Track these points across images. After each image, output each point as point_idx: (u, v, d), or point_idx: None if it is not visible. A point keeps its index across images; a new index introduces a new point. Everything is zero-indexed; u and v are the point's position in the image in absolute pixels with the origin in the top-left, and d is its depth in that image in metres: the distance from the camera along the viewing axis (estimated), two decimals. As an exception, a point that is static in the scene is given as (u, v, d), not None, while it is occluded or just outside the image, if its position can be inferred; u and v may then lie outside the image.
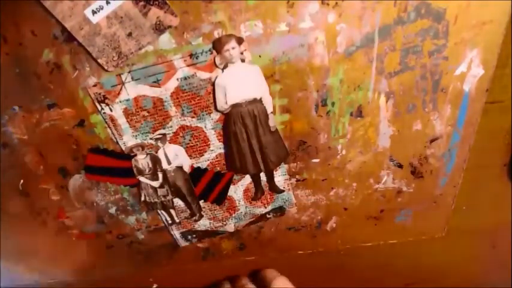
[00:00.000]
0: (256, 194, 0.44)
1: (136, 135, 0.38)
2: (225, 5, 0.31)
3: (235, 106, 0.37)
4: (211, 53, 0.34)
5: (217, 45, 0.33)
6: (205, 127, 0.38)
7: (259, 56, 0.34)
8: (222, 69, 0.34)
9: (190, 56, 0.34)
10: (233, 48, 0.33)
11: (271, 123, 0.38)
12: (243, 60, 0.34)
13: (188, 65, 0.34)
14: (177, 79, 0.35)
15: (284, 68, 0.35)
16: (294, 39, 0.33)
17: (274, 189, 0.44)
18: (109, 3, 0.31)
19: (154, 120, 0.37)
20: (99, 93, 0.35)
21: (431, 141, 0.40)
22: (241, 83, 0.35)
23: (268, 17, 0.32)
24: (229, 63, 0.34)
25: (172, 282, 0.54)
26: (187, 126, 0.38)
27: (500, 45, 0.34)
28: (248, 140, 0.39)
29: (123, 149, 0.39)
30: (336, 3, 0.32)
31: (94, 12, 0.31)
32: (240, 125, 0.38)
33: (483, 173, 0.44)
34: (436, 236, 0.50)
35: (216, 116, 0.37)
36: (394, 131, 0.39)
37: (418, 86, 0.36)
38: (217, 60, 0.34)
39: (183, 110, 0.37)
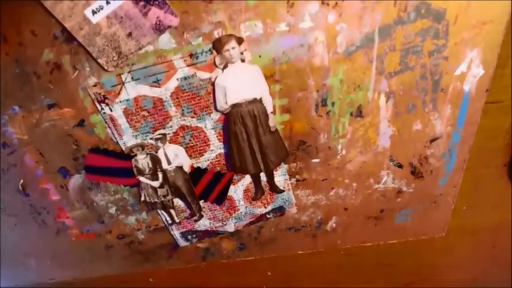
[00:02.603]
0: (256, 194, 0.44)
1: (136, 135, 0.38)
2: (225, 5, 0.31)
3: (235, 106, 0.37)
4: (211, 53, 0.34)
5: (217, 45, 0.33)
6: (205, 127, 0.38)
7: (259, 56, 0.34)
8: (222, 69, 0.34)
9: (190, 56, 0.34)
10: (233, 48, 0.33)
11: (271, 123, 0.38)
12: (243, 60, 0.34)
13: (188, 65, 0.34)
14: (177, 79, 0.35)
15: (284, 68, 0.35)
16: (294, 39, 0.33)
17: (275, 189, 0.44)
18: (109, 3, 0.31)
19: (154, 120, 0.37)
20: (99, 93, 0.35)
21: (431, 141, 0.40)
22: (241, 83, 0.35)
23: (268, 17, 0.32)
24: (229, 63, 0.34)
25: (173, 282, 0.54)
26: (187, 126, 0.38)
27: (500, 45, 0.34)
28: (248, 140, 0.39)
29: (123, 149, 0.39)
30: (336, 3, 0.32)
31: (94, 12, 0.31)
32: (240, 125, 0.38)
33: (483, 173, 0.44)
34: (436, 236, 0.50)
35: (216, 116, 0.37)
36: (394, 131, 0.39)
37: (418, 86, 0.36)
38: (217, 60, 0.34)
39: (183, 110, 0.37)
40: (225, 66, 0.34)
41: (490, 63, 0.35)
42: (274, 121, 0.38)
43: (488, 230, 0.51)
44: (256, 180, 0.43)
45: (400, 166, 0.42)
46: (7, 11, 0.32)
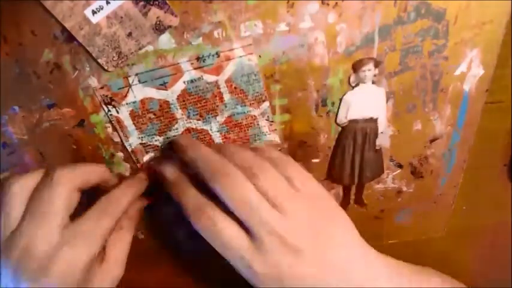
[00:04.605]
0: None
1: (142, 137, 0.38)
2: (225, 5, 0.32)
3: (351, 122, 0.38)
4: (218, 56, 0.34)
5: (357, 65, 0.35)
6: (210, 129, 0.38)
7: (260, 56, 0.34)
8: (353, 87, 0.36)
9: (197, 59, 0.34)
10: (369, 70, 0.35)
11: (377, 141, 0.39)
12: (373, 82, 0.35)
13: (195, 68, 0.34)
14: (184, 82, 0.35)
15: (284, 68, 0.35)
16: (294, 39, 0.33)
17: (359, 202, 0.45)
18: (109, 3, 0.31)
19: (160, 122, 0.37)
20: (106, 95, 0.35)
21: (431, 141, 0.40)
22: (365, 102, 0.37)
23: (268, 17, 0.32)
24: (361, 83, 0.35)
25: (173, 283, 0.54)
26: (193, 128, 0.38)
27: (500, 45, 0.34)
28: (353, 154, 0.40)
29: (129, 150, 0.39)
30: (336, 3, 0.32)
31: (94, 12, 0.31)
32: (350, 139, 0.39)
33: (483, 173, 0.44)
34: (436, 236, 0.50)
35: (221, 118, 0.37)
36: (394, 131, 0.39)
37: (418, 86, 0.36)
38: (352, 79, 0.35)
39: (189, 113, 0.37)
40: (356, 85, 0.36)
41: (490, 63, 0.35)
42: (381, 141, 0.40)
43: (488, 230, 0.51)
44: (346, 191, 0.44)
45: (400, 166, 0.42)
46: (7, 11, 0.32)
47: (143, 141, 0.38)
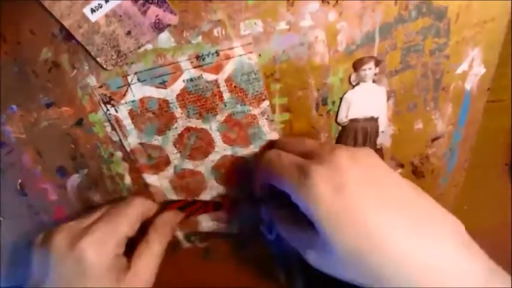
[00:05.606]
0: None
1: (141, 137, 0.38)
2: (225, 4, 0.31)
3: (352, 121, 0.38)
4: (218, 55, 0.33)
5: (357, 64, 0.34)
6: (210, 128, 0.38)
7: (260, 55, 0.34)
8: (354, 86, 0.36)
9: (197, 57, 0.34)
10: (370, 69, 0.34)
11: (378, 141, 0.39)
12: (374, 81, 0.35)
13: (194, 67, 0.34)
14: (183, 80, 0.35)
15: (284, 67, 0.34)
16: (294, 37, 0.33)
17: None
18: (108, 1, 0.31)
19: (159, 121, 0.37)
20: (105, 95, 0.35)
21: (433, 140, 0.40)
22: (365, 101, 0.37)
23: (268, 15, 0.32)
24: (362, 82, 0.35)
25: (172, 283, 0.54)
26: (192, 127, 0.38)
27: (501, 43, 0.34)
28: None
29: (128, 149, 0.39)
30: (337, 1, 0.31)
31: (93, 11, 0.31)
32: (351, 138, 0.39)
33: (484, 172, 0.44)
34: (437, 235, 0.50)
35: (221, 117, 0.37)
36: (395, 130, 0.39)
37: (419, 85, 0.36)
38: (352, 77, 0.35)
39: (188, 112, 0.37)
40: (357, 84, 0.35)
41: (491, 61, 0.35)
42: (381, 140, 0.39)
43: (489, 230, 0.50)
44: None
45: (401, 165, 0.42)
46: (5, 10, 0.31)
47: (142, 141, 0.38)
